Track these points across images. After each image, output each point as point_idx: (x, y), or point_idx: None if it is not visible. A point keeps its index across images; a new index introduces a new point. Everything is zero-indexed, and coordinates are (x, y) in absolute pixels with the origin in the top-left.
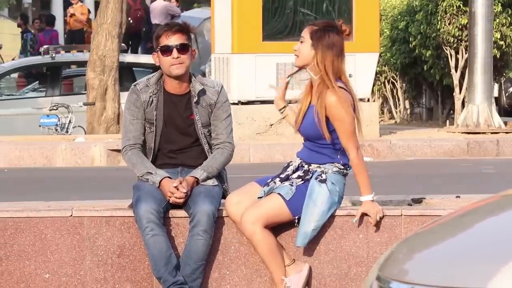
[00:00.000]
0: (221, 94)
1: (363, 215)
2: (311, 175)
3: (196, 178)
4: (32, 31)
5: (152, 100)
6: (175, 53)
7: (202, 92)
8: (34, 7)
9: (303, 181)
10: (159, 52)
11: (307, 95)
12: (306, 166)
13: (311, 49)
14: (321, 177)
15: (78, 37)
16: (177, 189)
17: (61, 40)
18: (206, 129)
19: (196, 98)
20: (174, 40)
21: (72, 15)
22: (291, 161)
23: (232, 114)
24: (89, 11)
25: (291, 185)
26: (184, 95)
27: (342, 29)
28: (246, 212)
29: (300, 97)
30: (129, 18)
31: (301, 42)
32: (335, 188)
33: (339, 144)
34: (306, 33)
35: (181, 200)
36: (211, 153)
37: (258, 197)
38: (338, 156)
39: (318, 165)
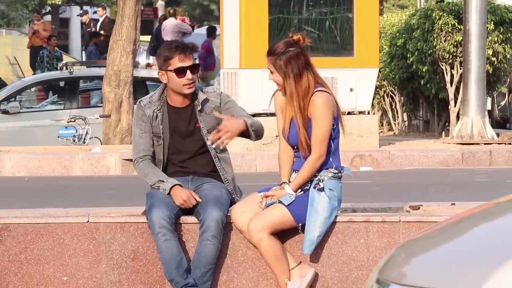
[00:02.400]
0: (222, 95)
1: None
2: (309, 184)
3: (245, 120)
4: (49, 48)
5: (157, 115)
6: (189, 75)
7: (205, 100)
8: (54, 25)
9: (302, 191)
10: (173, 72)
11: (290, 103)
12: None
13: (281, 78)
14: (319, 185)
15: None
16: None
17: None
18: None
19: (200, 106)
20: (187, 62)
21: (36, 31)
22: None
23: None
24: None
25: (290, 194)
26: (187, 106)
27: (296, 41)
28: (252, 221)
29: (282, 103)
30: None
31: (271, 73)
32: (333, 194)
33: (329, 147)
34: (270, 65)
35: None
36: (219, 159)
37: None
38: (330, 159)
39: (314, 174)
